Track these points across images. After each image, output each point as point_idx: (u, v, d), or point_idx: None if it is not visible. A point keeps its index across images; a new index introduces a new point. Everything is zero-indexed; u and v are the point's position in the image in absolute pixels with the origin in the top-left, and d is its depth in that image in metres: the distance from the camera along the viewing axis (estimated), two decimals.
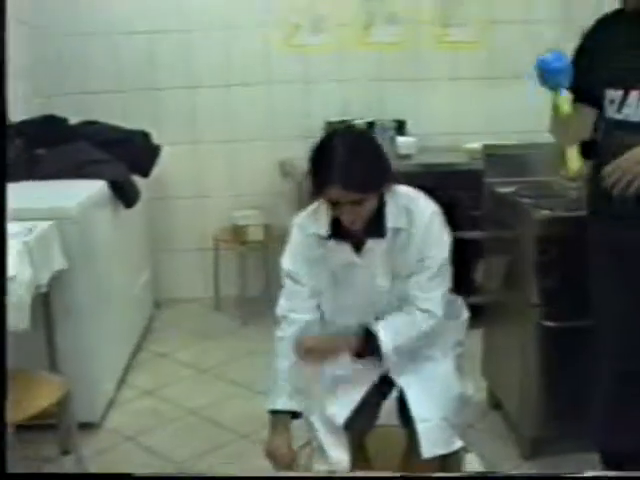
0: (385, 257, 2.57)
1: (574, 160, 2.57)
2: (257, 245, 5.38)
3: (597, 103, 2.72)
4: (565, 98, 2.59)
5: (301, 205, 4.91)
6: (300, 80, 5.49)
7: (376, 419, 2.73)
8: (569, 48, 3.09)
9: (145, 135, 4.95)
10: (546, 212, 3.20)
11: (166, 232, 5.65)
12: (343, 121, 5.20)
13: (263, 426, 3.70)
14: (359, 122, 5.18)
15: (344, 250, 2.60)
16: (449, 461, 2.54)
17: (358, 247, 2.59)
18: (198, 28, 5.41)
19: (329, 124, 5.24)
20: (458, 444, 2.53)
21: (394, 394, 2.64)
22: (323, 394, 2.62)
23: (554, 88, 2.62)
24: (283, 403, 2.62)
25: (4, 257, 1.91)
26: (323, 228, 2.60)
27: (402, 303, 2.60)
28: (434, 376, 2.61)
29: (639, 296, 2.75)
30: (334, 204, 2.44)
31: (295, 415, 2.63)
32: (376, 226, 2.54)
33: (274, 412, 2.63)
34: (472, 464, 2.48)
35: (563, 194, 3.41)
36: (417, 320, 2.57)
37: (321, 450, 2.56)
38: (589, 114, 2.53)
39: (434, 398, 2.53)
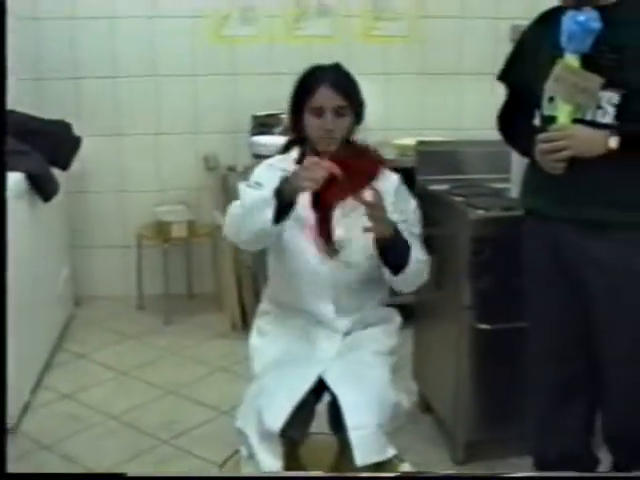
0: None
1: (564, 115, 2.50)
2: (181, 242, 5.25)
3: (534, 100, 2.66)
4: (574, 58, 2.50)
5: (226, 200, 4.85)
6: (227, 72, 5.36)
7: (310, 425, 2.64)
8: (501, 43, 3.04)
9: (65, 126, 4.77)
10: (480, 212, 3.15)
11: (87, 227, 5.46)
12: (270, 115, 5.09)
13: (184, 431, 3.64)
14: (286, 117, 5.07)
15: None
16: (381, 469, 2.47)
17: None
18: (123, 15, 5.22)
19: (255, 118, 5.12)
20: (391, 452, 2.47)
21: (327, 398, 2.59)
22: (259, 400, 2.51)
23: (574, 50, 2.52)
24: None
25: (4, 256, 1.84)
26: (291, 165, 2.70)
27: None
28: (368, 383, 2.54)
29: (573, 298, 2.70)
30: (317, 115, 2.63)
31: None
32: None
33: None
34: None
35: (498, 193, 3.36)
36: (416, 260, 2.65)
37: (252, 458, 2.45)
38: (595, 83, 2.46)
39: (369, 405, 2.46)
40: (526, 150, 2.73)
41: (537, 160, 2.58)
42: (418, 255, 2.66)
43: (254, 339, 2.81)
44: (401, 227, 2.63)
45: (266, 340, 2.75)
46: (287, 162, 2.73)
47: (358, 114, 2.73)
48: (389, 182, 2.74)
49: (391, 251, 2.58)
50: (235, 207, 2.65)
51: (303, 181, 2.44)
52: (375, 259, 2.63)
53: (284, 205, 2.49)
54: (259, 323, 2.85)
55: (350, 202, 2.56)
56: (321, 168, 2.44)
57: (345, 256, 2.64)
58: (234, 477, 2.39)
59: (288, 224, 2.59)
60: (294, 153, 2.77)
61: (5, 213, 1.79)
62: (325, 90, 2.63)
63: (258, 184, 2.65)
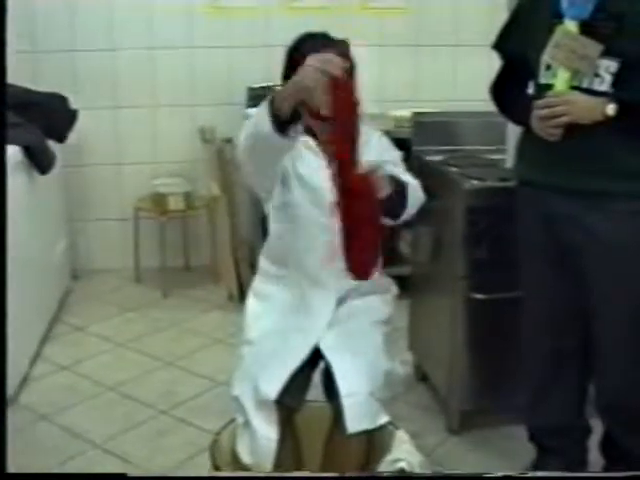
0: None
1: (562, 82, 2.51)
2: (178, 214, 5.25)
3: (529, 69, 2.67)
4: (574, 24, 2.50)
5: (222, 173, 4.85)
6: (223, 45, 5.34)
7: (306, 393, 2.65)
8: (498, 16, 3.04)
9: (61, 98, 4.76)
10: (475, 182, 3.16)
11: (84, 200, 5.46)
12: (266, 87, 5.08)
13: (182, 402, 3.67)
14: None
15: (309, 142, 2.65)
16: (376, 436, 2.49)
17: None
18: None
19: (251, 90, 5.11)
20: (384, 419, 2.48)
21: (321, 366, 2.60)
22: (255, 367, 2.52)
23: (574, 16, 2.52)
24: None
25: (4, 256, 1.85)
26: None
27: None
28: (362, 351, 2.55)
29: (567, 268, 2.71)
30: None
31: None
32: None
33: None
34: (401, 441, 2.41)
35: (493, 164, 3.37)
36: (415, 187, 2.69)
37: (247, 426, 2.46)
38: (594, 50, 2.47)
39: (361, 373, 2.47)
40: (521, 119, 2.73)
41: (533, 127, 2.57)
42: (410, 179, 2.70)
43: (251, 302, 2.78)
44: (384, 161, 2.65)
45: (262, 305, 2.73)
46: None
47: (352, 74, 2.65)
48: (369, 134, 2.72)
49: (391, 201, 2.56)
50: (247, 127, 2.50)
51: (312, 80, 2.24)
52: None
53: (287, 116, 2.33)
54: (256, 284, 2.83)
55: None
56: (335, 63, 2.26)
57: None
58: (235, 477, 2.40)
59: (297, 188, 2.62)
60: None
61: (5, 205, 1.81)
62: (332, 53, 2.47)
63: None
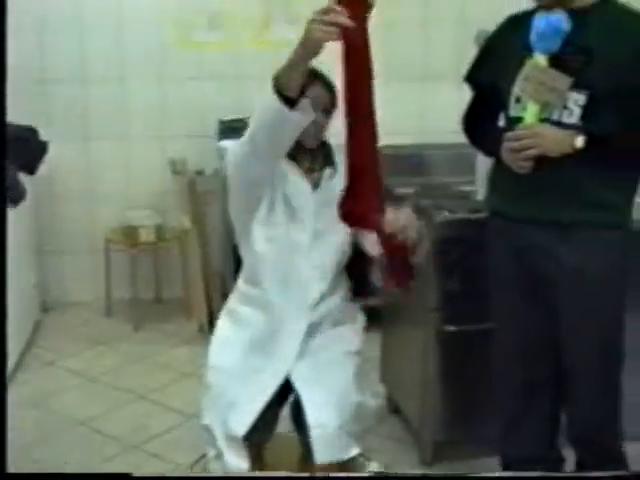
0: (326, 186, 2.67)
1: (531, 114, 2.54)
2: (149, 247, 5.23)
3: (500, 101, 2.70)
4: (543, 57, 2.53)
5: (193, 205, 4.85)
6: (194, 76, 5.35)
7: (275, 427, 2.64)
8: (466, 48, 3.07)
9: (31, 130, 4.73)
10: (446, 214, 3.17)
11: (55, 232, 5.42)
12: (237, 120, 5.10)
13: (153, 436, 3.63)
14: None
15: (294, 169, 2.66)
16: (347, 468, 2.49)
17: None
18: (92, 19, 5.23)
19: (222, 122, 5.12)
20: (355, 451, 2.49)
21: (291, 399, 2.61)
22: (223, 400, 2.52)
23: (544, 50, 2.55)
24: None
25: (4, 257, 1.93)
26: None
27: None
28: (333, 383, 2.56)
29: (538, 299, 2.73)
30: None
31: None
32: (325, 157, 2.71)
33: None
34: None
35: (463, 195, 3.39)
36: None
37: (219, 458, 2.45)
38: (563, 83, 2.50)
39: (331, 405, 2.48)
40: (492, 151, 2.75)
41: (504, 159, 2.60)
42: None
43: (222, 322, 2.78)
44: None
45: (233, 329, 2.72)
46: None
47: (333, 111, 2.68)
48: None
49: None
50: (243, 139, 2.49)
51: (319, 31, 2.18)
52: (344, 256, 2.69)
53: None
54: (231, 303, 2.81)
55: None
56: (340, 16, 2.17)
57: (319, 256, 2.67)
58: (235, 477, 2.38)
59: (280, 209, 2.62)
60: None
61: (5, 215, 1.81)
62: (319, 86, 2.61)
63: None
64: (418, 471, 3.36)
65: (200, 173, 5.05)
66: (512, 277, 2.78)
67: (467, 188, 3.47)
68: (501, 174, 2.72)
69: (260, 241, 2.68)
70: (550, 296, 2.69)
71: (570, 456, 2.96)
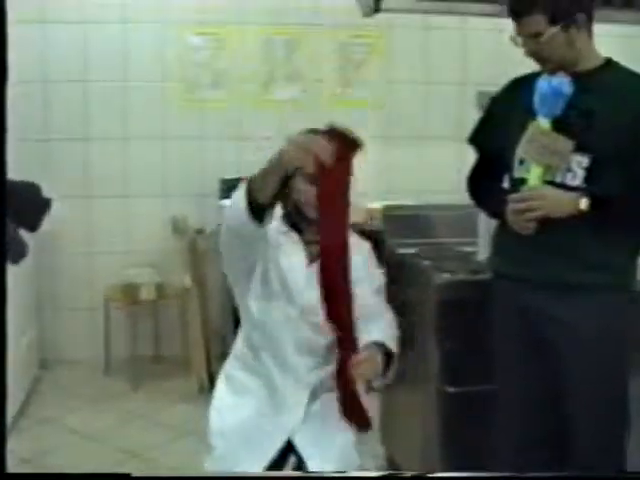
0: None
1: (535, 177, 2.55)
2: (149, 304, 5.22)
3: (504, 163, 2.71)
4: (546, 120, 2.55)
5: (194, 263, 4.85)
6: (196, 136, 5.40)
7: None
8: (466, 108, 3.09)
9: (33, 186, 4.74)
10: (447, 275, 3.17)
11: (54, 289, 5.43)
12: (239, 179, 5.11)
13: None
14: None
15: (293, 239, 2.65)
16: None
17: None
18: (95, 77, 5.29)
19: (224, 181, 5.15)
20: None
21: (292, 460, 2.56)
22: (228, 461, 2.50)
23: (547, 113, 2.57)
24: None
25: (4, 260, 1.89)
26: (279, 224, 2.65)
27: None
28: (335, 446, 2.54)
29: (542, 360, 2.72)
30: (311, 182, 2.47)
31: None
32: None
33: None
34: None
35: (464, 256, 3.39)
36: (388, 327, 2.68)
37: None
38: (566, 146, 2.52)
39: (334, 468, 2.45)
40: (496, 212, 2.76)
41: (508, 221, 2.61)
42: (389, 325, 2.71)
43: (221, 388, 2.75)
44: (361, 277, 2.65)
45: (233, 398, 2.69)
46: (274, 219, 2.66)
47: None
48: (360, 251, 2.74)
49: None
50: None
51: (297, 154, 2.24)
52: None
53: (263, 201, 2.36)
54: (228, 368, 2.78)
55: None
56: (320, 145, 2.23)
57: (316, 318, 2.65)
58: (234, 477, 2.34)
59: (275, 282, 2.61)
60: (277, 210, 2.67)
61: (5, 214, 1.81)
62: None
63: None
64: None
65: (201, 232, 5.06)
66: (515, 338, 2.77)
67: (468, 249, 3.46)
68: (505, 235, 2.72)
69: (256, 311, 2.67)
70: (553, 357, 2.68)
71: None
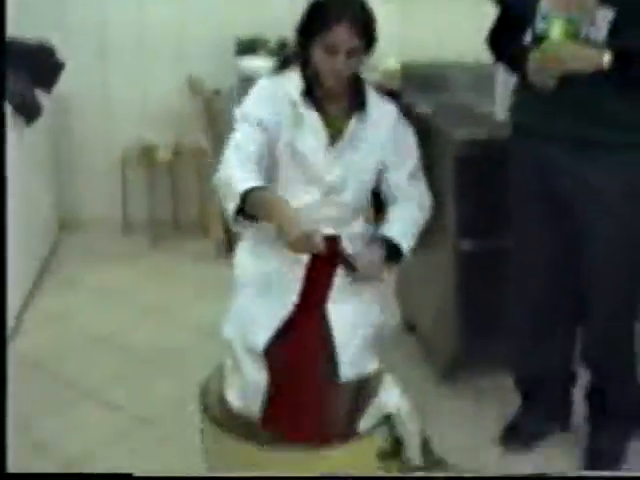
0: (349, 140, 2.63)
1: (558, 31, 2.47)
2: (166, 166, 5.23)
3: (526, 18, 2.64)
4: None
5: (210, 124, 4.83)
6: None
7: None
8: None
9: (48, 48, 4.71)
10: (465, 132, 3.15)
11: (72, 151, 5.41)
12: (255, 37, 5.08)
13: (171, 351, 3.68)
14: (271, 39, 5.07)
15: (312, 117, 2.60)
16: (365, 382, 2.50)
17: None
18: None
19: (240, 40, 5.10)
20: (375, 365, 2.51)
21: None
22: (244, 315, 2.53)
23: None
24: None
25: (4, 255, 1.96)
26: (294, 91, 2.60)
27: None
28: (357, 302, 2.57)
29: (559, 217, 2.73)
30: (330, 53, 2.48)
31: None
32: (354, 101, 2.65)
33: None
34: (389, 385, 2.44)
35: (482, 114, 3.37)
36: (415, 214, 2.74)
37: (237, 371, 2.47)
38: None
39: (355, 323, 2.49)
40: (516, 67, 2.71)
41: (529, 77, 2.56)
42: (418, 214, 2.76)
43: (243, 248, 2.75)
44: (398, 159, 2.70)
45: (256, 250, 2.68)
46: (288, 87, 2.62)
47: (370, 47, 2.59)
48: (385, 113, 2.71)
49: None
50: (224, 163, 2.51)
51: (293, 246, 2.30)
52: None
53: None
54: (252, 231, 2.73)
55: None
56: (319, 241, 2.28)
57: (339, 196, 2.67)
58: (234, 477, 2.40)
59: (290, 165, 2.60)
60: (294, 76, 2.64)
61: (5, 211, 1.82)
62: (342, 30, 2.46)
63: (258, 122, 2.53)
64: (433, 387, 3.40)
65: (217, 92, 5.02)
66: (534, 195, 2.77)
67: (486, 107, 3.43)
68: (525, 91, 2.68)
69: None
70: (571, 215, 2.68)
71: (582, 376, 3.01)
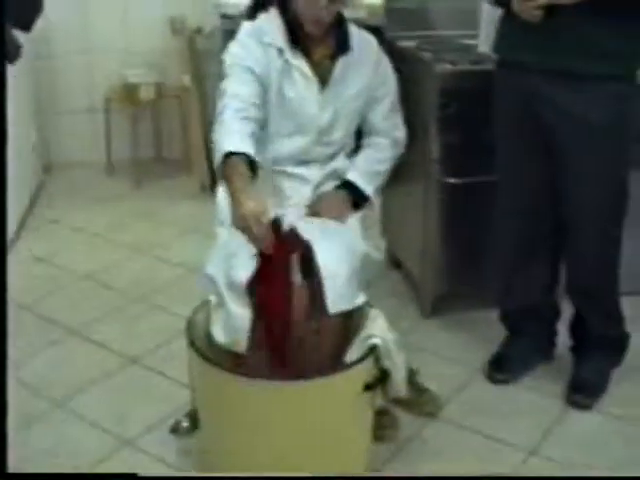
0: (337, 81, 2.66)
1: None
2: (149, 105, 5.20)
3: None
4: None
5: (193, 63, 4.79)
6: None
7: None
8: None
9: None
10: (447, 66, 3.14)
11: (53, 92, 5.36)
12: None
13: (156, 289, 3.70)
14: None
15: (300, 64, 2.62)
16: (353, 315, 2.51)
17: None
18: None
19: None
20: (362, 299, 2.51)
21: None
22: (225, 252, 2.52)
23: None
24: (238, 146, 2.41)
25: (4, 253, 1.95)
26: (279, 38, 2.61)
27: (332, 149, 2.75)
28: (340, 233, 2.58)
29: (542, 149, 2.74)
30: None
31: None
32: (339, 42, 2.67)
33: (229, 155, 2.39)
34: (375, 318, 2.45)
35: (466, 48, 3.35)
36: (387, 153, 2.84)
37: (221, 306, 2.48)
38: None
39: (341, 255, 2.48)
40: (502, 1, 2.69)
41: (514, 9, 2.55)
42: (388, 153, 2.85)
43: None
44: (381, 93, 2.77)
45: None
46: (273, 34, 2.63)
47: None
48: (367, 51, 2.75)
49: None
50: (218, 118, 2.52)
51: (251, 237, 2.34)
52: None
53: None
54: None
55: None
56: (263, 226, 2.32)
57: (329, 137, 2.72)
58: (235, 477, 2.41)
59: (278, 111, 2.62)
60: (275, 20, 2.64)
61: (5, 206, 1.81)
62: None
63: (250, 69, 2.56)
64: (417, 322, 3.43)
65: (199, 31, 4.97)
66: (517, 126, 2.78)
67: (469, 41, 3.40)
68: (510, 24, 2.67)
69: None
70: (554, 146, 2.69)
71: (566, 310, 3.04)
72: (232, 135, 2.42)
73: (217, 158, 2.40)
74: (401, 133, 2.89)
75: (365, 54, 2.73)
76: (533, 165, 2.79)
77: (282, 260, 2.44)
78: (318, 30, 2.59)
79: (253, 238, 2.33)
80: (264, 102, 2.60)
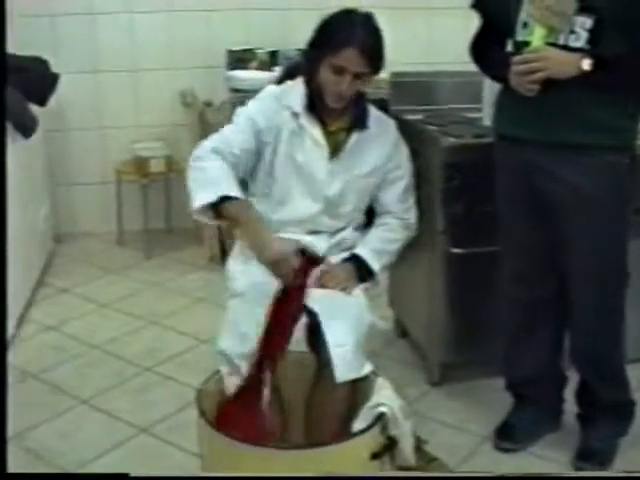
0: (349, 154, 2.72)
1: (538, 38, 2.54)
2: (159, 177, 5.27)
3: (507, 27, 2.70)
4: None
5: (203, 136, 4.85)
6: (202, 8, 5.33)
7: (289, 344, 2.69)
8: None
9: (42, 62, 4.75)
10: (452, 139, 3.20)
11: (66, 165, 5.45)
12: (246, 50, 5.13)
13: (166, 359, 3.72)
14: (262, 51, 5.13)
15: (314, 130, 2.68)
16: (359, 386, 2.54)
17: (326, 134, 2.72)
18: None
19: (231, 53, 5.14)
20: (368, 368, 2.53)
21: (303, 319, 2.62)
22: (237, 326, 2.56)
23: None
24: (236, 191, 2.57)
25: (4, 253, 1.97)
26: (298, 102, 2.68)
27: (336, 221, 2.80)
28: (347, 304, 2.61)
29: (543, 220, 2.78)
30: (336, 73, 2.56)
31: None
32: (356, 118, 2.73)
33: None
34: (382, 387, 2.47)
35: (469, 121, 3.42)
36: (397, 235, 2.89)
37: (234, 374, 2.51)
38: (569, 6, 2.50)
39: (347, 324, 2.52)
40: (499, 75, 2.76)
41: (511, 83, 2.62)
42: (399, 234, 2.91)
43: (234, 260, 2.77)
44: (395, 175, 2.85)
45: (247, 261, 2.69)
46: (293, 98, 2.70)
47: (377, 72, 2.69)
48: (385, 131, 2.83)
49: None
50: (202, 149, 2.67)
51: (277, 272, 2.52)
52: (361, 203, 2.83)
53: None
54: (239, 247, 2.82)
55: None
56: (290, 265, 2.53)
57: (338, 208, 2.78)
58: (235, 477, 2.43)
59: (290, 177, 2.70)
60: (299, 88, 2.72)
61: (5, 211, 1.86)
62: (352, 53, 2.54)
63: (253, 124, 2.66)
64: (425, 391, 3.44)
65: (209, 104, 5.07)
66: (518, 198, 2.83)
67: (473, 115, 3.48)
68: (508, 98, 2.74)
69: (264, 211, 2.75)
70: (555, 217, 2.73)
71: (574, 377, 3.04)
72: (223, 177, 2.56)
73: (204, 194, 2.54)
74: (413, 217, 2.94)
75: (383, 135, 2.80)
76: (534, 233, 2.83)
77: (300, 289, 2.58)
78: (338, 104, 2.64)
79: (280, 275, 2.45)
80: (272, 164, 2.69)
